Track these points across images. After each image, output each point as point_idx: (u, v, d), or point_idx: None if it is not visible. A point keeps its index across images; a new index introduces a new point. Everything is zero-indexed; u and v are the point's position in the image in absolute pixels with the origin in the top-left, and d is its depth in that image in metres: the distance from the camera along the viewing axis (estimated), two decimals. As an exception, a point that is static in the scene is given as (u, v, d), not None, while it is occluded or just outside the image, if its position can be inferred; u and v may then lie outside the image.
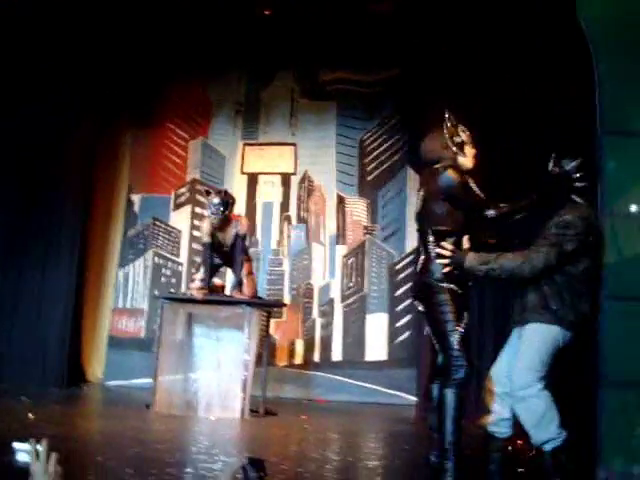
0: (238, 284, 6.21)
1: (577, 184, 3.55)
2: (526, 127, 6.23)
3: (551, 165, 3.63)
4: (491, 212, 3.54)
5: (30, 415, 5.04)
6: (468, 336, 3.51)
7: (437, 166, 3.61)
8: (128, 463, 3.52)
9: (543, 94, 5.99)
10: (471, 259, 3.40)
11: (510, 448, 3.76)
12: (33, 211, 7.75)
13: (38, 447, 1.57)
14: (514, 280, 3.52)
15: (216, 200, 6.00)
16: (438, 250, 3.46)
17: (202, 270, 6.29)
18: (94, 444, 4.31)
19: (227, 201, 6.08)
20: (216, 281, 6.58)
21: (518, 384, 3.40)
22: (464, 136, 3.70)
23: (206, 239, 6.16)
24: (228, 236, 6.13)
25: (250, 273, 6.37)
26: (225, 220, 6.06)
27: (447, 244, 3.46)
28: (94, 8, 6.98)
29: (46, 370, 7.34)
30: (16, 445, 1.62)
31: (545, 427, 3.37)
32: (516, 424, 3.54)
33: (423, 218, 3.65)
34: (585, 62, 3.74)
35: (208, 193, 6.22)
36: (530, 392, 3.38)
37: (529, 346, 3.44)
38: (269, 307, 6.76)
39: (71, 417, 5.44)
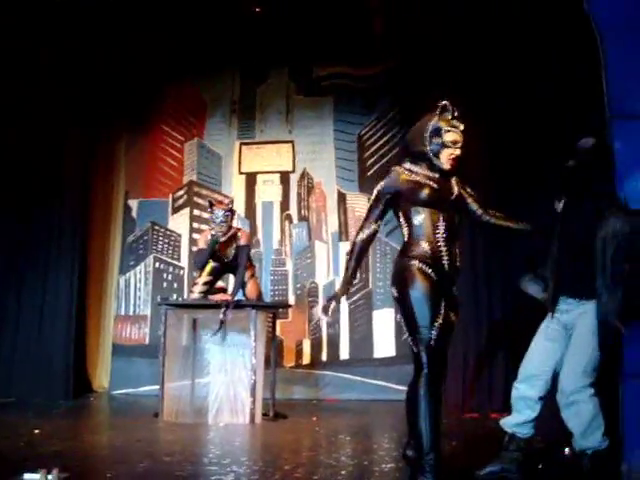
0: (242, 287, 6.14)
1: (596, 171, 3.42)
2: (530, 117, 6.14)
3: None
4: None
5: (36, 431, 4.95)
6: (443, 332, 3.29)
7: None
8: (139, 479, 3.43)
9: (548, 81, 5.89)
10: None
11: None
12: (32, 223, 7.68)
13: (49, 477, 1.50)
14: None
15: (220, 213, 5.95)
16: None
17: (204, 274, 6.20)
18: (103, 460, 4.20)
19: (230, 211, 6.06)
20: (219, 284, 6.50)
21: (569, 389, 3.29)
22: (450, 135, 3.49)
23: (204, 246, 6.09)
24: (230, 248, 6.13)
25: (253, 276, 6.30)
26: (228, 231, 6.03)
27: None
28: (85, 11, 6.87)
29: (52, 382, 7.26)
30: (27, 476, 1.54)
31: (591, 433, 3.29)
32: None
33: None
34: (591, 45, 3.65)
35: (212, 205, 6.14)
36: (581, 397, 3.28)
37: (586, 346, 3.30)
38: (274, 309, 6.67)
39: (78, 430, 5.34)
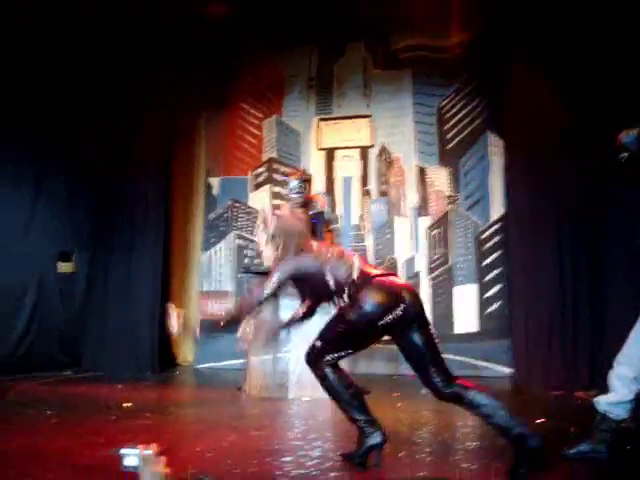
0: None
1: None
2: (608, 86, 5.92)
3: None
4: None
5: (125, 405, 5.11)
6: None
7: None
8: (227, 453, 3.49)
9: (624, 50, 5.66)
10: None
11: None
12: (118, 200, 7.90)
13: (145, 452, 1.55)
14: None
15: (294, 182, 5.91)
16: None
17: None
18: (192, 433, 4.30)
19: (305, 180, 5.97)
20: None
21: None
22: None
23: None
24: (307, 215, 6.00)
25: (333, 242, 6.18)
26: (304, 200, 5.96)
27: None
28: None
29: (139, 356, 7.49)
30: (124, 450, 1.59)
31: None
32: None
33: None
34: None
35: (286, 175, 6.11)
36: None
37: None
38: None
39: (166, 404, 5.49)
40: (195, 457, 3.33)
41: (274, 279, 3.25)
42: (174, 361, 8.28)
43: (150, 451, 1.58)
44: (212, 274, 8.54)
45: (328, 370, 3.23)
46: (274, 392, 5.83)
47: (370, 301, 3.12)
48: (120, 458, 1.64)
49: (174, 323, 1.58)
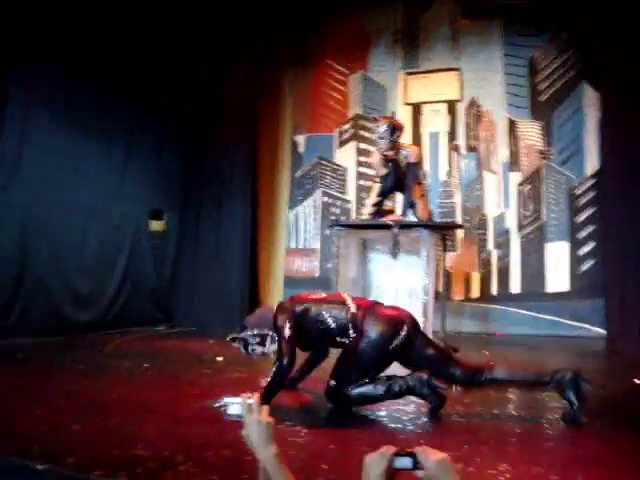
0: (410, 207, 5.91)
1: None
2: None
3: None
4: None
5: (218, 358, 5.22)
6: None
7: None
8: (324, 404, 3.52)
9: None
10: None
11: None
12: (205, 156, 8.04)
13: (249, 400, 1.58)
14: None
15: (383, 127, 5.76)
16: None
17: (373, 194, 6.06)
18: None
19: (394, 126, 5.80)
20: (388, 204, 6.34)
21: None
22: None
23: (381, 171, 5.93)
24: (398, 163, 5.87)
25: (423, 195, 6.01)
26: (393, 147, 5.81)
27: None
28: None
29: (228, 311, 7.61)
30: (228, 399, 1.63)
31: None
32: None
33: None
34: None
35: (376, 120, 5.99)
36: None
37: None
38: (446, 230, 6.43)
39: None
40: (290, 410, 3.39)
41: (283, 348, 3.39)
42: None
43: (253, 400, 1.60)
44: (299, 231, 8.58)
45: (350, 395, 3.35)
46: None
47: (377, 329, 3.39)
48: (224, 407, 1.67)
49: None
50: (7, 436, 2.74)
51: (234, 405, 1.63)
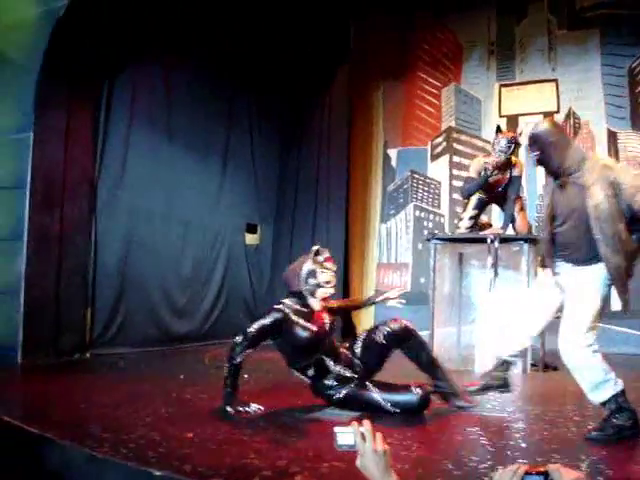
0: (510, 221, 5.85)
1: None
2: None
3: None
4: None
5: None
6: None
7: None
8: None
9: None
10: None
11: None
12: (299, 170, 8.14)
13: (361, 429, 1.52)
14: None
15: (504, 141, 5.70)
16: None
17: (470, 207, 6.00)
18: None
19: (515, 143, 5.75)
20: (483, 218, 6.28)
21: None
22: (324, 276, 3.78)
23: (474, 175, 5.85)
24: (504, 177, 5.80)
25: (522, 209, 5.93)
26: (506, 161, 5.76)
27: None
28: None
29: (321, 325, 7.64)
30: (337, 429, 1.55)
31: None
32: None
33: None
34: None
35: (499, 130, 5.92)
36: None
37: None
38: None
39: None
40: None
41: None
42: (354, 331, 8.39)
43: (366, 427, 1.54)
44: (390, 246, 8.55)
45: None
46: (458, 364, 5.74)
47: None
48: (333, 437, 1.60)
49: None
50: (120, 442, 2.81)
51: (345, 435, 1.56)
